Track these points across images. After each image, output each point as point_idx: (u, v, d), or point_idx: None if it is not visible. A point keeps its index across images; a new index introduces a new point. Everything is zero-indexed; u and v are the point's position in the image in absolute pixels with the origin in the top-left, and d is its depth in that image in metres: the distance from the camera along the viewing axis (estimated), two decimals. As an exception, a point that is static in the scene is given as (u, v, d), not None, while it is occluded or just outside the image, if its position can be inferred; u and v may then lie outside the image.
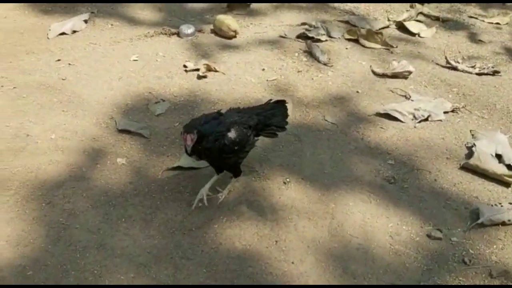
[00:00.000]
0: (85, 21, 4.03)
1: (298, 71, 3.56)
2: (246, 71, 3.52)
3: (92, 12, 4.19)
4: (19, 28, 3.87)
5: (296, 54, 3.77)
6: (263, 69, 3.55)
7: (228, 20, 3.98)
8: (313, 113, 3.10)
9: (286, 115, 2.43)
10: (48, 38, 3.77)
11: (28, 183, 2.38)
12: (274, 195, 2.43)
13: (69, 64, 3.44)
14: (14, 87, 3.14)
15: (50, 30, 3.86)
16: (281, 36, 4.03)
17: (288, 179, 2.53)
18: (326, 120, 3.04)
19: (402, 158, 2.74)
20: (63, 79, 3.25)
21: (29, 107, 2.94)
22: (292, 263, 2.08)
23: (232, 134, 2.17)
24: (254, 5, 4.57)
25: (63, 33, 3.84)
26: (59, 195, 2.32)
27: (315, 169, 2.62)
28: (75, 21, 3.98)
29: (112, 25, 4.05)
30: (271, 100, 2.48)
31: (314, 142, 2.83)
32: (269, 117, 2.37)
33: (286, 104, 2.45)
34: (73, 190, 2.35)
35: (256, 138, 2.36)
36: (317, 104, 3.20)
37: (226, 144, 2.14)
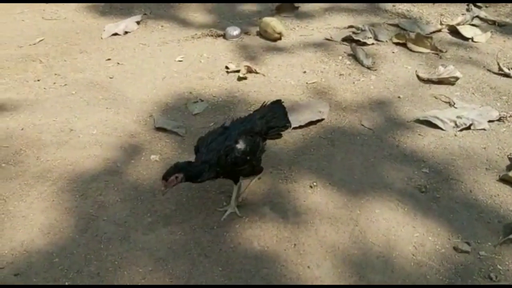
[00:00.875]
0: (138, 23, 4.21)
1: (340, 75, 3.52)
2: (287, 73, 3.52)
3: (145, 14, 4.37)
4: (76, 28, 4.11)
5: (340, 57, 3.73)
6: (304, 72, 3.54)
7: (273, 22, 4.00)
8: (350, 117, 3.05)
9: (286, 113, 2.38)
10: (101, 38, 3.97)
11: (65, 175, 2.53)
12: (299, 198, 2.41)
13: (118, 63, 3.60)
14: (65, 84, 3.34)
15: (104, 30, 4.07)
16: (327, 39, 4.00)
17: (315, 183, 2.51)
18: (363, 125, 2.98)
19: (438, 167, 2.63)
20: (110, 78, 3.41)
21: (76, 104, 3.12)
22: (308, 267, 2.06)
23: (241, 145, 2.15)
24: (302, 8, 4.57)
25: (115, 34, 4.03)
26: (92, 188, 2.44)
27: (344, 174, 2.57)
28: (128, 23, 4.17)
29: (162, 26, 4.20)
30: (265, 102, 2.44)
31: (347, 147, 2.78)
32: (269, 119, 2.33)
33: (282, 103, 2.42)
34: (105, 184, 2.47)
35: (264, 143, 2.33)
36: (355, 109, 3.14)
37: (238, 157, 2.13)
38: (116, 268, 2.03)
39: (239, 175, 2.26)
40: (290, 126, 2.43)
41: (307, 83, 3.41)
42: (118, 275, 2.01)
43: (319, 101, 3.20)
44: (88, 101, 3.15)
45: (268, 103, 2.42)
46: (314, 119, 2.97)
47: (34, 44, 3.87)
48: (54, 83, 3.36)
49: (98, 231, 2.20)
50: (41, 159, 2.62)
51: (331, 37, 4.02)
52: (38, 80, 3.39)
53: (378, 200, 2.40)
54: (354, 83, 3.42)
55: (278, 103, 2.40)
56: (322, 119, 3.00)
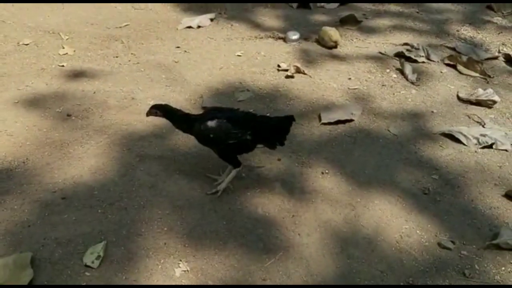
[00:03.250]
0: (211, 20, 4.71)
1: (383, 85, 3.74)
2: (332, 77, 3.81)
3: (219, 13, 4.86)
4: (157, 19, 4.69)
5: (387, 70, 3.94)
6: (349, 78, 3.81)
7: (331, 32, 4.30)
8: (379, 122, 3.28)
9: (288, 132, 2.55)
10: (177, 29, 4.51)
11: (120, 132, 3.02)
12: (308, 181, 2.71)
13: (185, 51, 4.10)
14: (137, 63, 3.88)
15: (180, 23, 4.60)
16: (380, 53, 4.23)
17: (327, 171, 2.79)
18: (389, 130, 3.19)
19: (448, 176, 2.79)
20: (175, 62, 3.91)
21: (142, 79, 3.63)
22: (299, 234, 2.35)
23: (211, 123, 2.42)
24: (366, 22, 4.82)
25: (189, 27, 4.55)
26: (138, 145, 2.90)
27: (356, 168, 2.82)
28: (202, 19, 4.68)
29: (231, 25, 4.66)
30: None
31: (367, 146, 3.02)
32: (272, 130, 2.55)
33: (293, 122, 2.55)
34: (149, 143, 2.92)
35: (253, 142, 2.51)
36: (387, 116, 3.36)
37: (201, 129, 2.42)
38: (140, 207, 2.45)
39: (211, 149, 2.57)
40: (283, 145, 2.57)
41: (349, 88, 3.68)
42: (141, 212, 2.42)
43: (354, 104, 3.46)
44: (152, 78, 3.65)
45: (284, 116, 2.59)
46: (343, 118, 3.23)
47: (120, 27, 4.48)
48: (129, 60, 3.91)
49: (134, 177, 2.64)
50: (103, 118, 3.14)
51: (384, 52, 4.24)
52: (116, 57, 3.96)
53: (380, 193, 2.63)
54: (393, 94, 3.63)
55: (289, 119, 2.53)
56: (352, 120, 3.26)
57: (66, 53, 3.93)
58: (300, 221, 2.43)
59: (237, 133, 2.43)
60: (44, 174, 2.64)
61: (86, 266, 2.10)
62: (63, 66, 3.73)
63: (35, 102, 3.25)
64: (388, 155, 2.94)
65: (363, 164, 2.85)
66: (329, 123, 3.21)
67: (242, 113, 2.55)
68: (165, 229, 2.34)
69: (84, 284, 2.03)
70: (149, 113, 2.52)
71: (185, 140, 2.96)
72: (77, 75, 3.63)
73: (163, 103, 2.57)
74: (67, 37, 4.18)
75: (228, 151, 2.52)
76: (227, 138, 2.43)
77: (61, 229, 2.28)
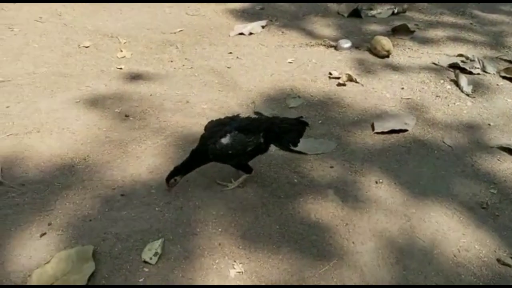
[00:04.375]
0: (262, 27, 4.77)
1: (437, 96, 3.68)
2: (385, 86, 3.78)
3: (271, 21, 4.92)
4: (210, 25, 4.79)
5: (441, 81, 3.88)
6: (402, 88, 3.77)
7: (384, 41, 4.27)
8: (434, 133, 3.23)
9: (301, 135, 2.52)
10: (229, 35, 4.59)
11: (175, 134, 3.09)
12: (362, 189, 2.69)
13: (237, 57, 4.17)
14: (191, 67, 3.97)
15: (232, 30, 4.68)
16: (434, 63, 4.17)
17: (381, 180, 2.76)
18: (444, 142, 3.13)
19: (507, 191, 2.71)
20: (228, 67, 3.98)
21: (195, 83, 3.72)
22: (353, 242, 2.34)
23: (225, 140, 2.41)
24: (419, 33, 4.76)
25: (241, 33, 4.62)
26: (192, 147, 2.96)
27: (411, 179, 2.78)
28: (254, 25, 4.75)
29: (283, 32, 4.71)
30: (301, 117, 2.60)
31: (422, 157, 2.97)
32: (284, 131, 2.49)
33: (307, 127, 2.55)
34: (203, 146, 2.98)
35: (266, 143, 2.51)
36: (442, 127, 3.30)
37: (218, 149, 2.41)
38: (196, 207, 2.51)
39: (228, 164, 2.58)
40: (296, 146, 2.54)
41: (402, 98, 3.63)
42: (196, 212, 2.47)
43: (408, 114, 3.41)
44: (205, 82, 3.73)
45: (294, 118, 2.56)
46: (397, 128, 3.20)
47: (175, 33, 4.60)
48: (183, 65, 4.01)
49: (190, 178, 2.69)
50: (160, 119, 3.23)
51: (438, 62, 4.18)
52: (171, 61, 4.07)
53: (436, 205, 2.58)
54: (448, 105, 3.56)
55: (302, 123, 2.52)
56: (406, 130, 3.22)
57: (124, 56, 4.07)
58: (354, 229, 2.42)
59: (253, 140, 2.45)
60: (104, 171, 2.73)
61: (145, 262, 2.16)
62: (121, 68, 3.87)
63: (95, 102, 3.38)
64: (443, 166, 2.89)
65: (418, 175, 2.81)
66: (383, 133, 3.18)
67: (247, 119, 2.57)
68: (220, 230, 2.37)
69: (142, 279, 2.08)
70: (171, 185, 2.54)
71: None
72: (134, 77, 3.75)
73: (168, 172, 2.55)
74: (124, 41, 4.33)
75: (246, 159, 2.55)
76: (245, 148, 2.45)
77: (120, 225, 2.35)
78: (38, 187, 2.60)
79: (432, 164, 2.91)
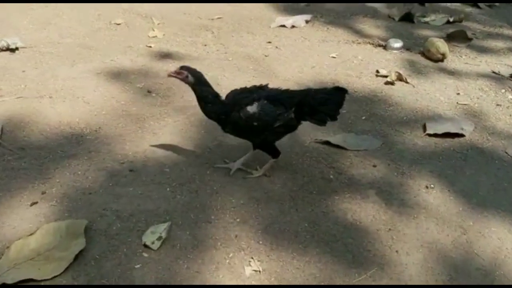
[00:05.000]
0: (306, 21, 4.43)
1: (497, 105, 3.24)
2: (438, 89, 3.36)
3: (315, 16, 4.57)
4: (250, 15, 4.49)
5: (503, 91, 3.44)
6: (458, 93, 3.35)
7: (439, 42, 3.86)
8: (494, 142, 2.79)
9: (341, 105, 2.13)
10: (270, 27, 4.26)
11: (200, 114, 2.71)
12: (409, 193, 2.27)
13: (276, 47, 3.83)
14: (225, 52, 3.66)
15: (274, 21, 4.36)
16: (493, 72, 3.73)
17: (432, 185, 2.34)
18: (506, 152, 2.69)
19: None
20: (265, 56, 3.64)
21: (228, 67, 3.39)
22: (396, 251, 1.92)
23: (252, 109, 2.02)
24: (475, 42, 4.33)
25: (283, 26, 4.29)
26: (217, 130, 2.58)
27: (467, 187, 2.35)
28: (297, 19, 4.42)
29: (328, 28, 4.35)
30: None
31: (480, 166, 2.54)
32: (320, 102, 2.09)
33: (346, 95, 2.13)
34: (229, 129, 2.62)
35: (298, 120, 2.13)
36: (504, 137, 2.86)
37: (242, 118, 2.01)
38: (213, 192, 2.14)
39: (248, 139, 2.17)
40: (336, 119, 2.15)
41: (457, 102, 3.21)
42: (212, 197, 2.11)
43: (465, 120, 2.98)
44: (239, 67, 3.40)
45: (331, 87, 2.19)
46: (452, 131, 2.78)
47: (212, 19, 4.31)
48: (217, 50, 3.70)
49: (210, 160, 2.35)
50: (184, 98, 2.90)
51: (498, 72, 3.74)
52: (205, 45, 3.77)
53: (497, 219, 2.14)
54: (510, 115, 3.12)
55: (341, 91, 2.14)
56: (462, 135, 2.79)
57: (156, 36, 3.80)
58: (399, 236, 2.00)
59: (283, 113, 2.05)
60: (115, 144, 2.42)
61: (145, 246, 1.81)
62: (150, 47, 3.59)
63: (117, 75, 3.10)
64: (506, 178, 2.44)
65: (476, 184, 2.37)
66: (436, 135, 2.76)
67: (277, 90, 2.16)
68: (238, 220, 2.00)
69: (139, 266, 1.72)
70: (172, 74, 2.04)
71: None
72: (163, 56, 3.46)
73: (196, 69, 2.11)
74: (158, 22, 4.06)
75: (273, 137, 2.14)
76: (273, 122, 2.04)
77: (123, 202, 2.01)
78: (39, 153, 2.30)
79: (492, 174, 2.47)
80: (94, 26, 3.86)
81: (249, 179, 2.24)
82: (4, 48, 3.23)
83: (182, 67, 2.05)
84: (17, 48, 3.27)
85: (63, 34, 3.62)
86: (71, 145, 2.38)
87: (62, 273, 1.65)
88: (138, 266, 1.73)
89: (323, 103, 2.09)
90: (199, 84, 2.05)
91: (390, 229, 2.04)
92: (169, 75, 2.05)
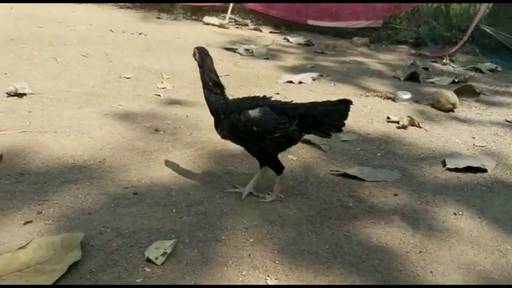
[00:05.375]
0: (313, 79, 4.47)
1: (516, 147, 3.12)
2: (452, 133, 3.27)
3: (321, 75, 4.62)
4: (258, 74, 4.54)
5: (519, 135, 3.34)
6: (473, 137, 3.25)
7: (448, 93, 3.85)
8: (520, 177, 2.63)
9: (346, 117, 2.03)
10: (277, 82, 4.29)
11: (208, 148, 2.66)
12: (436, 219, 2.09)
13: (284, 97, 3.80)
14: (234, 101, 3.62)
15: (281, 78, 4.40)
16: (507, 121, 3.67)
17: (460, 212, 2.16)
18: (533, 187, 2.53)
19: None
20: (274, 104, 3.60)
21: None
22: (431, 272, 1.71)
23: (253, 113, 1.93)
24: (483, 97, 4.33)
25: (290, 82, 4.31)
26: (227, 160, 2.51)
27: (499, 215, 2.17)
28: (304, 76, 4.47)
29: (334, 84, 4.38)
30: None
31: (509, 197, 2.38)
32: (324, 113, 2.01)
33: (350, 105, 2.04)
34: (240, 160, 2.51)
35: (302, 133, 2.05)
36: (528, 174, 2.71)
37: (241, 121, 1.93)
38: (223, 214, 1.97)
39: (247, 148, 2.06)
40: (341, 131, 2.07)
41: (474, 144, 3.10)
42: (222, 219, 1.94)
43: (486, 157, 2.86)
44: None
45: (337, 99, 2.09)
46: (474, 165, 2.64)
47: (220, 76, 4.33)
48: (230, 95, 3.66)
49: (219, 186, 2.20)
50: (193, 135, 2.81)
51: (512, 120, 3.67)
52: (213, 96, 3.74)
53: (539, 244, 1.93)
54: (532, 156, 2.99)
55: (345, 102, 2.04)
56: (485, 170, 2.65)
57: (165, 87, 3.80)
58: (432, 258, 1.80)
59: (285, 123, 1.95)
60: (119, 172, 2.28)
61: (148, 260, 1.61)
62: (159, 95, 3.58)
63: (124, 116, 3.04)
64: (539, 209, 2.25)
65: (508, 213, 2.21)
66: (457, 169, 2.62)
67: (282, 102, 2.09)
68: (251, 240, 1.81)
69: (141, 280, 1.51)
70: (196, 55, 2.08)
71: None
72: (171, 102, 3.43)
73: (206, 49, 2.10)
74: (167, 77, 4.10)
75: (272, 148, 2.01)
76: (274, 131, 1.94)
77: (125, 220, 1.84)
78: (38, 178, 2.16)
79: (524, 206, 2.29)
80: (104, 79, 3.88)
81: (262, 203, 2.07)
82: (12, 93, 3.20)
83: (198, 47, 2.06)
84: (25, 94, 3.24)
85: (72, 84, 3.62)
86: (73, 172, 2.25)
87: (53, 284, 1.44)
88: (139, 280, 1.52)
89: (327, 114, 2.00)
90: (203, 66, 2.04)
91: (420, 251, 1.84)
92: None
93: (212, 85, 2.02)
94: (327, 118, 1.99)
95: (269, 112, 1.95)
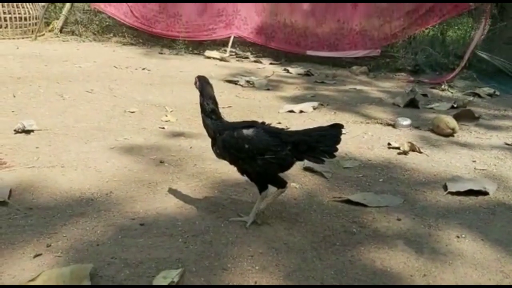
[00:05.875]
0: (314, 108, 4.55)
1: (517, 170, 3.16)
2: (452, 158, 3.32)
3: (322, 104, 4.71)
4: (259, 105, 4.63)
5: (520, 158, 3.38)
6: (474, 161, 3.29)
7: (447, 118, 3.91)
8: (521, 199, 2.66)
9: (338, 142, 2.09)
10: (278, 112, 4.37)
11: (212, 178, 2.71)
12: (439, 242, 2.12)
13: (286, 126, 3.88)
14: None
15: (282, 108, 4.48)
16: (507, 144, 3.72)
17: (463, 235, 2.19)
18: (536, 208, 2.55)
19: None
20: (276, 134, 3.66)
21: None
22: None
23: (247, 131, 2.01)
24: (482, 122, 4.39)
25: (291, 111, 4.39)
26: (231, 189, 2.55)
27: (502, 237, 2.20)
28: (305, 106, 4.55)
29: (335, 113, 4.45)
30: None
31: (511, 219, 2.40)
32: (317, 139, 2.08)
33: (342, 130, 2.10)
34: (244, 190, 2.56)
35: (295, 158, 2.10)
36: (530, 195, 2.74)
37: (234, 137, 2.00)
38: (228, 242, 2.01)
39: (239, 168, 2.12)
40: (334, 156, 2.10)
41: (475, 168, 3.14)
42: (228, 247, 1.97)
43: (487, 180, 2.89)
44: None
45: (328, 124, 2.16)
46: (475, 189, 2.67)
47: (223, 107, 4.41)
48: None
49: (224, 215, 2.24)
50: (197, 166, 2.87)
51: (512, 143, 3.71)
52: (216, 127, 3.81)
53: (542, 265, 1.95)
54: (532, 178, 3.02)
55: (337, 127, 2.11)
56: (486, 193, 2.68)
57: (168, 120, 3.88)
58: (436, 281, 1.82)
59: (277, 145, 2.02)
60: (126, 204, 2.33)
61: (156, 289, 1.63)
62: (163, 128, 3.65)
63: (130, 150, 3.10)
64: (542, 230, 2.28)
65: (510, 234, 2.24)
66: (458, 193, 2.66)
67: (276, 128, 2.19)
68: (257, 268, 1.84)
69: (150, 309, 1.54)
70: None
71: (285, 193, 2.54)
72: (175, 135, 3.50)
73: (206, 77, 2.21)
74: (171, 110, 4.18)
75: (263, 169, 2.05)
76: (265, 151, 2.00)
77: (133, 251, 1.88)
78: (46, 212, 2.21)
79: (526, 226, 2.31)
80: (109, 114, 3.96)
81: (267, 231, 2.10)
82: (20, 130, 3.28)
83: (199, 76, 2.17)
84: (32, 130, 3.32)
85: (78, 120, 3.70)
86: (80, 205, 2.30)
87: (63, 315, 1.47)
88: (148, 309, 1.54)
89: (320, 140, 2.07)
90: (203, 93, 2.14)
91: (425, 274, 1.86)
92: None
93: (209, 111, 2.12)
94: (320, 143, 2.06)
95: (262, 133, 2.04)
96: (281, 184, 2.14)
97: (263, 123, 2.16)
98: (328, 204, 2.47)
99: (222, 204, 2.36)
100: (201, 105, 2.15)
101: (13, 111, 3.72)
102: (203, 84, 2.16)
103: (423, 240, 2.13)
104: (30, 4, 7.31)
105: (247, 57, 7.27)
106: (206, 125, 2.15)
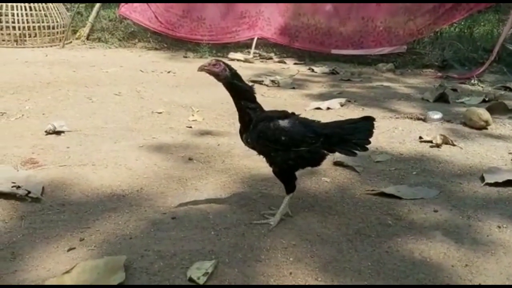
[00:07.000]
0: (341, 104, 4.49)
1: (560, 162, 3.04)
2: (487, 150, 3.22)
3: (349, 101, 4.64)
4: (285, 103, 4.60)
5: (562, 151, 3.25)
6: (510, 153, 3.18)
7: (480, 110, 3.80)
8: None
9: (371, 134, 2.06)
10: (305, 110, 4.32)
11: (241, 173, 2.68)
12: (480, 233, 2.04)
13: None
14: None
15: (309, 105, 4.44)
16: (547, 136, 3.58)
17: (505, 226, 2.11)
18: None
19: None
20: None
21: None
22: (479, 284, 1.65)
23: (283, 123, 1.95)
24: (516, 112, 4.25)
25: (318, 108, 4.34)
26: (261, 184, 2.52)
27: (547, 227, 2.10)
28: (332, 102, 4.49)
29: (363, 109, 4.38)
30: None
31: (555, 208, 2.29)
32: (349, 132, 2.04)
33: (374, 122, 2.08)
34: (273, 184, 2.51)
35: (327, 152, 2.05)
36: None
37: (271, 128, 1.92)
38: (261, 235, 1.98)
39: (268, 159, 2.05)
40: (367, 149, 2.06)
41: (511, 160, 3.03)
42: (261, 239, 1.94)
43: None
44: (279, 139, 3.36)
45: (360, 116, 2.16)
46: (514, 179, 2.58)
47: (249, 106, 4.40)
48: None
49: (254, 209, 2.21)
50: (226, 163, 2.85)
51: (552, 136, 3.58)
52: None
53: None
54: None
55: (368, 120, 2.11)
56: (526, 184, 2.58)
57: (195, 120, 3.88)
58: (479, 271, 1.75)
59: (312, 137, 1.96)
60: (156, 199, 2.32)
61: (190, 280, 1.62)
62: (190, 127, 3.65)
63: (158, 148, 3.11)
64: None
65: (556, 224, 2.11)
66: (496, 184, 2.56)
67: (309, 119, 2.11)
68: (291, 259, 1.80)
69: (185, 299, 1.52)
70: (206, 67, 1.93)
71: (315, 187, 2.51)
72: (203, 133, 3.50)
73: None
74: (197, 110, 4.18)
75: (295, 161, 1.99)
76: (301, 142, 1.95)
77: (166, 243, 1.87)
78: (79, 208, 2.22)
79: None
80: (137, 114, 3.99)
81: (300, 224, 2.06)
82: (51, 131, 3.32)
83: (217, 60, 1.97)
84: (63, 132, 3.36)
85: (107, 121, 3.73)
86: (112, 201, 2.30)
87: (99, 305, 1.46)
88: (183, 299, 1.52)
89: (352, 132, 2.03)
90: (236, 79, 1.98)
91: (466, 264, 1.79)
92: (202, 68, 1.94)
93: (249, 94, 2.07)
94: (352, 136, 2.02)
95: (298, 124, 1.98)
96: (291, 189, 2.08)
97: (293, 113, 2.12)
98: (361, 197, 2.42)
99: (252, 198, 2.33)
100: (239, 92, 2.03)
101: (43, 114, 3.78)
102: (232, 69, 2.00)
103: (462, 231, 2.05)
104: (58, 13, 7.46)
105: (271, 58, 7.24)
106: (243, 109, 2.04)
